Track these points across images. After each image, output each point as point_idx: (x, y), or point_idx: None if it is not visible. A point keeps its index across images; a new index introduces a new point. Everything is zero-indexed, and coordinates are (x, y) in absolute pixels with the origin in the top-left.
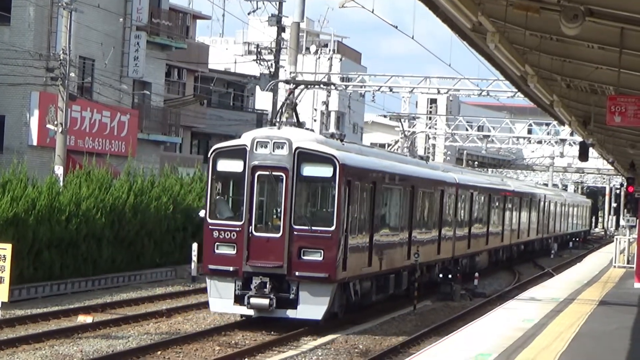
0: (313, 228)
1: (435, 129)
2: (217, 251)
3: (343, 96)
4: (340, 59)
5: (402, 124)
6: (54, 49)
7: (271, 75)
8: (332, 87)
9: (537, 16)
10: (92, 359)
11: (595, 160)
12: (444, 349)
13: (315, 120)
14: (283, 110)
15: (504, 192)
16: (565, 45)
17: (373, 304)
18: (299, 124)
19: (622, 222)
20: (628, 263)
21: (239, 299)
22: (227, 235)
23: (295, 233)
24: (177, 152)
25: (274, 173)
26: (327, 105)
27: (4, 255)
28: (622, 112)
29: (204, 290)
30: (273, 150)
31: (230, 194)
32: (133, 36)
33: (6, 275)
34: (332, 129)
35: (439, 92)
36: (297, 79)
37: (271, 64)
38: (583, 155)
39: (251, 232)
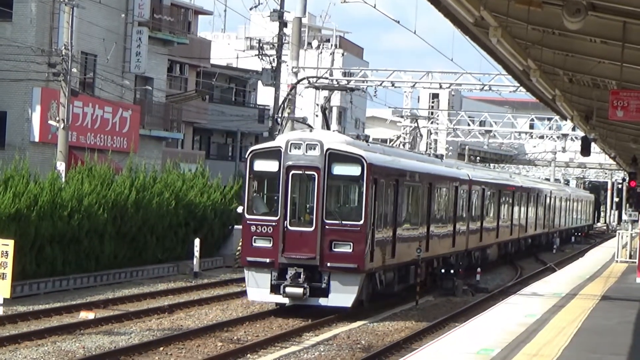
0: (343, 222)
1: (437, 124)
2: (254, 244)
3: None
4: (342, 54)
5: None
6: (56, 45)
7: (273, 71)
8: (356, 91)
9: (540, 10)
10: (94, 355)
11: (598, 155)
12: (447, 344)
13: (317, 116)
14: (285, 106)
15: (512, 187)
16: (567, 39)
17: (395, 294)
18: (328, 127)
19: (624, 217)
20: (630, 258)
21: (274, 289)
22: (264, 229)
23: (327, 227)
24: (179, 147)
25: (306, 172)
26: (329, 101)
27: (6, 251)
28: (625, 107)
29: (206, 286)
30: (306, 152)
31: (266, 192)
32: (135, 32)
33: (8, 271)
34: (334, 124)
35: (441, 87)
36: (299, 74)
37: (273, 59)
38: (585, 150)
39: (286, 226)
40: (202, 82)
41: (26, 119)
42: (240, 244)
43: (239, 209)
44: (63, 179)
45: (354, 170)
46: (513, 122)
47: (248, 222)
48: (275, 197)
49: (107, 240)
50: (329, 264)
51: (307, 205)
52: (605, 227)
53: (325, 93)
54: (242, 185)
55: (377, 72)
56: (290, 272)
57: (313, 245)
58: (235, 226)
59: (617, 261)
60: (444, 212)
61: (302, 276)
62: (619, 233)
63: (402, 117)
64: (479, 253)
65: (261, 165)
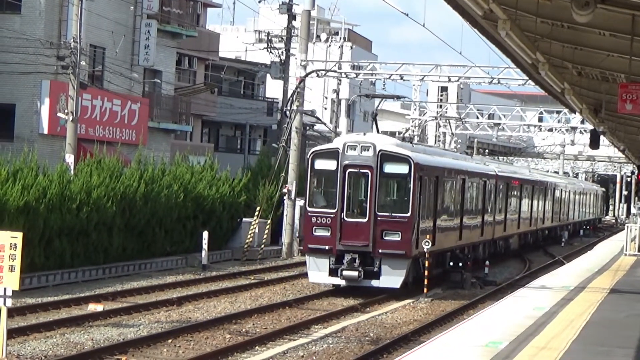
0: (393, 214)
1: (446, 116)
2: (315, 233)
3: (354, 84)
4: (351, 47)
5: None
6: (65, 38)
7: (282, 64)
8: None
9: (549, 3)
10: (102, 347)
11: (606, 148)
12: (455, 337)
13: (325, 109)
14: (293, 99)
15: (532, 182)
16: (576, 32)
17: (434, 277)
18: (378, 130)
19: (633, 210)
20: (639, 251)
21: (332, 272)
22: (323, 220)
23: (379, 218)
24: (187, 140)
25: (361, 170)
26: (337, 93)
27: (15, 244)
28: (634, 100)
29: (214, 279)
30: (360, 152)
31: (325, 187)
32: (144, 24)
33: (17, 263)
34: (343, 117)
35: (449, 80)
36: (308, 67)
37: (282, 52)
38: (594, 143)
39: (343, 217)
40: (210, 75)
41: (35, 112)
42: (262, 235)
43: (300, 203)
44: (72, 172)
45: (402, 168)
46: (522, 115)
47: (309, 213)
48: (333, 192)
49: (116, 233)
50: (380, 251)
51: (362, 199)
52: (613, 220)
53: (334, 86)
54: (304, 181)
55: (385, 65)
56: (347, 257)
57: (367, 234)
58: (244, 219)
59: (625, 254)
60: (474, 205)
61: (357, 261)
62: (627, 226)
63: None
64: (503, 242)
65: (321, 164)
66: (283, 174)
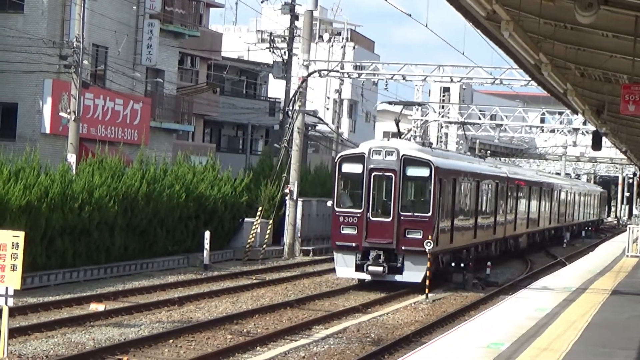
0: (415, 214)
1: (448, 117)
2: (342, 231)
3: (356, 84)
4: (354, 47)
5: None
6: (67, 37)
7: (284, 64)
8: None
9: (552, 4)
10: (104, 347)
11: (608, 149)
12: (457, 338)
13: (327, 109)
14: (296, 99)
15: (539, 184)
16: (579, 33)
17: (452, 272)
18: (400, 136)
19: (634, 211)
20: None
21: (358, 267)
22: (350, 219)
23: (402, 218)
24: (189, 140)
25: (385, 173)
26: (340, 94)
27: (17, 243)
28: (636, 101)
29: (216, 279)
30: (385, 157)
31: (352, 189)
32: (146, 24)
33: (19, 262)
34: (345, 117)
35: (452, 81)
36: (310, 67)
37: (284, 52)
38: (596, 145)
39: (368, 217)
40: (213, 74)
41: (37, 111)
42: (264, 233)
43: (328, 203)
44: (74, 171)
45: (424, 172)
46: (524, 116)
47: (337, 213)
48: (360, 194)
49: (118, 233)
50: (403, 248)
51: (386, 200)
52: (615, 222)
53: (337, 86)
54: (332, 184)
55: (388, 65)
56: (372, 254)
57: (390, 232)
58: (246, 219)
59: (627, 256)
60: (487, 205)
61: (381, 257)
62: (629, 227)
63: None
64: (513, 241)
65: (348, 168)
66: (285, 174)
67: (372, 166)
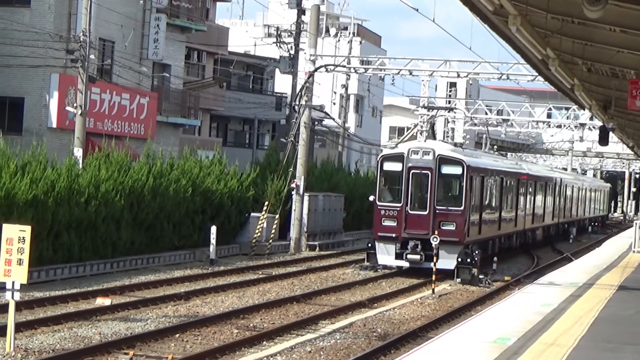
0: (448, 208)
1: (455, 112)
2: (383, 223)
3: (362, 79)
4: (360, 42)
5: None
6: (74, 31)
7: (291, 58)
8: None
9: None
10: (110, 342)
11: (615, 144)
12: (463, 333)
13: (334, 104)
14: (302, 94)
15: (553, 180)
16: (587, 28)
17: (480, 259)
18: (435, 137)
19: None
20: None
21: (398, 256)
22: (391, 213)
23: (437, 211)
24: (196, 134)
25: (422, 171)
26: (346, 89)
27: (23, 237)
28: None
29: (222, 274)
30: (422, 156)
31: (392, 185)
32: (153, 18)
33: (25, 257)
34: (351, 112)
35: (458, 76)
36: (317, 62)
37: (291, 47)
38: (603, 140)
39: (407, 210)
40: (219, 69)
41: (44, 105)
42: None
43: (371, 198)
44: (80, 165)
45: (457, 170)
46: (531, 111)
47: (379, 207)
48: (399, 189)
49: (124, 227)
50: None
51: (422, 195)
52: (622, 217)
53: (343, 81)
54: (374, 180)
55: (394, 60)
56: (411, 243)
57: (427, 224)
58: (252, 214)
59: (634, 251)
60: (510, 200)
61: (419, 247)
62: (636, 223)
63: (423, 107)
64: (531, 233)
65: (389, 166)
66: (291, 169)
67: (410, 165)
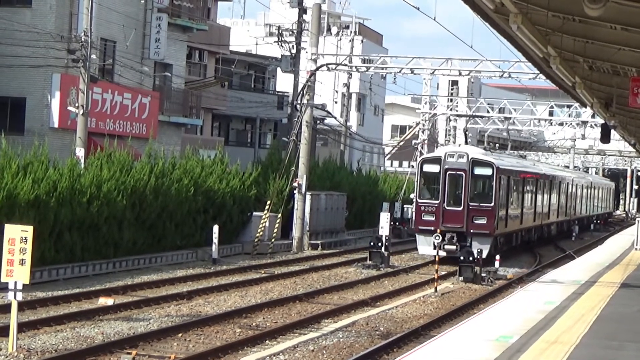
0: (480, 204)
1: (456, 110)
2: (423, 218)
3: (364, 78)
4: (362, 41)
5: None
6: (76, 31)
7: (292, 57)
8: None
9: None
10: (113, 341)
11: (617, 142)
12: (466, 331)
13: (335, 102)
14: (304, 92)
15: (565, 178)
16: (588, 26)
17: (504, 251)
18: (467, 141)
19: None
20: None
21: (436, 246)
22: (430, 208)
23: (470, 207)
24: (198, 134)
25: (457, 172)
26: (348, 87)
27: (25, 237)
28: None
29: (224, 273)
30: (457, 159)
31: (431, 185)
32: (154, 18)
33: (27, 257)
34: (353, 111)
35: (460, 74)
36: (318, 61)
37: (292, 46)
38: (605, 137)
39: (444, 206)
40: (221, 68)
41: (45, 105)
42: (264, 229)
43: (412, 196)
44: (82, 165)
45: (488, 171)
46: (532, 109)
47: (419, 204)
48: (437, 188)
49: (126, 227)
50: (472, 231)
51: (458, 193)
52: (624, 215)
53: (345, 80)
54: (415, 180)
55: (396, 59)
56: (448, 235)
57: (462, 218)
58: (254, 213)
59: (636, 249)
60: (530, 197)
61: (454, 238)
62: (638, 220)
63: (425, 104)
64: (546, 228)
65: (428, 168)
66: (293, 168)
67: (447, 166)
